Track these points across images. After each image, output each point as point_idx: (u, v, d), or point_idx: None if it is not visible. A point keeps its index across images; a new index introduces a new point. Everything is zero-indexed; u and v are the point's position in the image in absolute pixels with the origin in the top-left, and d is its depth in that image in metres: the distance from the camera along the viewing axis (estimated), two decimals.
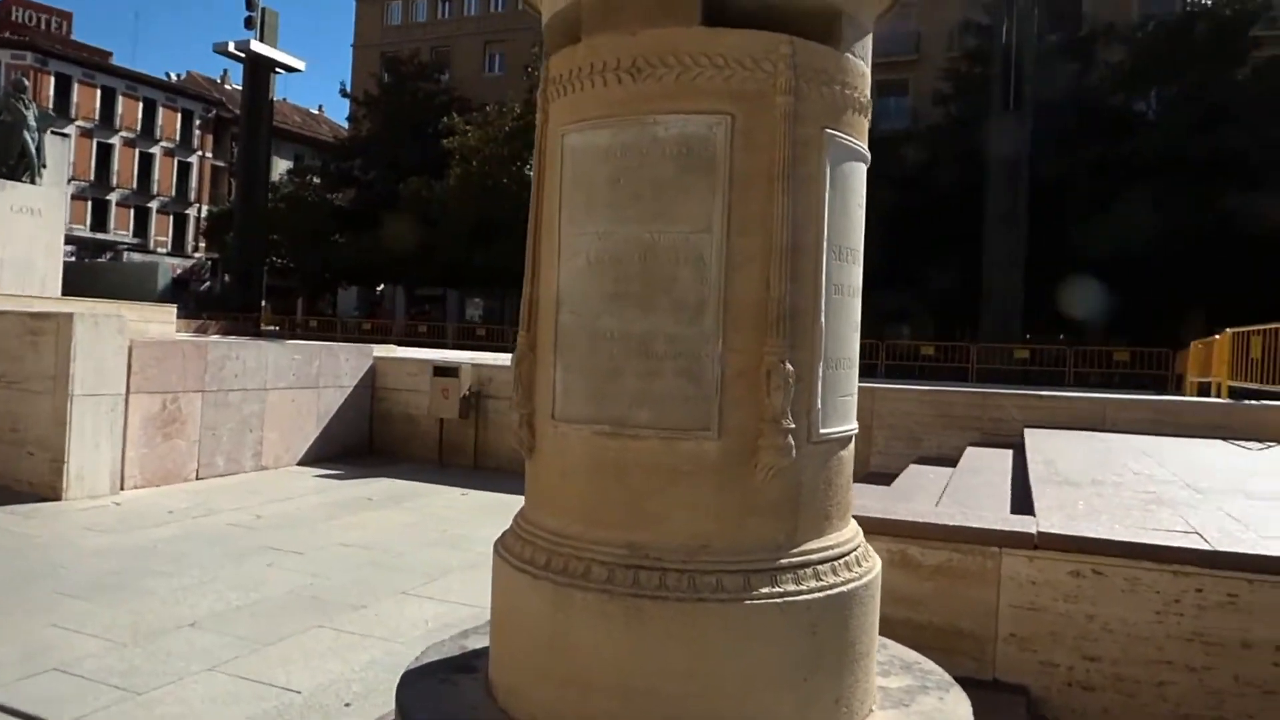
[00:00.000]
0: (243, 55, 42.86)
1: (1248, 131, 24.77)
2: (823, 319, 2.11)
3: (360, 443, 10.78)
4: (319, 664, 4.18)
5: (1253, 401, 7.77)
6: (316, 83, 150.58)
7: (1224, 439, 7.01)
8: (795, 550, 2.07)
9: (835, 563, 2.12)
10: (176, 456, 8.36)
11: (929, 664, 2.58)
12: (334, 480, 9.05)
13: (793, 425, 2.02)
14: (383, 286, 47.52)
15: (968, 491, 5.03)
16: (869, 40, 2.28)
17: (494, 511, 7.76)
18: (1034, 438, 6.52)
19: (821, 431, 2.12)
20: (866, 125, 2.27)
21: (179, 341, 9.53)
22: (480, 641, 2.65)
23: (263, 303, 43.78)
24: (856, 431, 2.30)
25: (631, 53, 2.03)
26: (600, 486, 2.08)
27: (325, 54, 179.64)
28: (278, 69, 44.88)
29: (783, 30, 2.05)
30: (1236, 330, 8.95)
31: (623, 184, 2.05)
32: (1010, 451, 6.65)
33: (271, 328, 39.04)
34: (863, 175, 2.26)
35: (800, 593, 2.02)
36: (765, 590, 1.99)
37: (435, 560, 6.12)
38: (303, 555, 6.08)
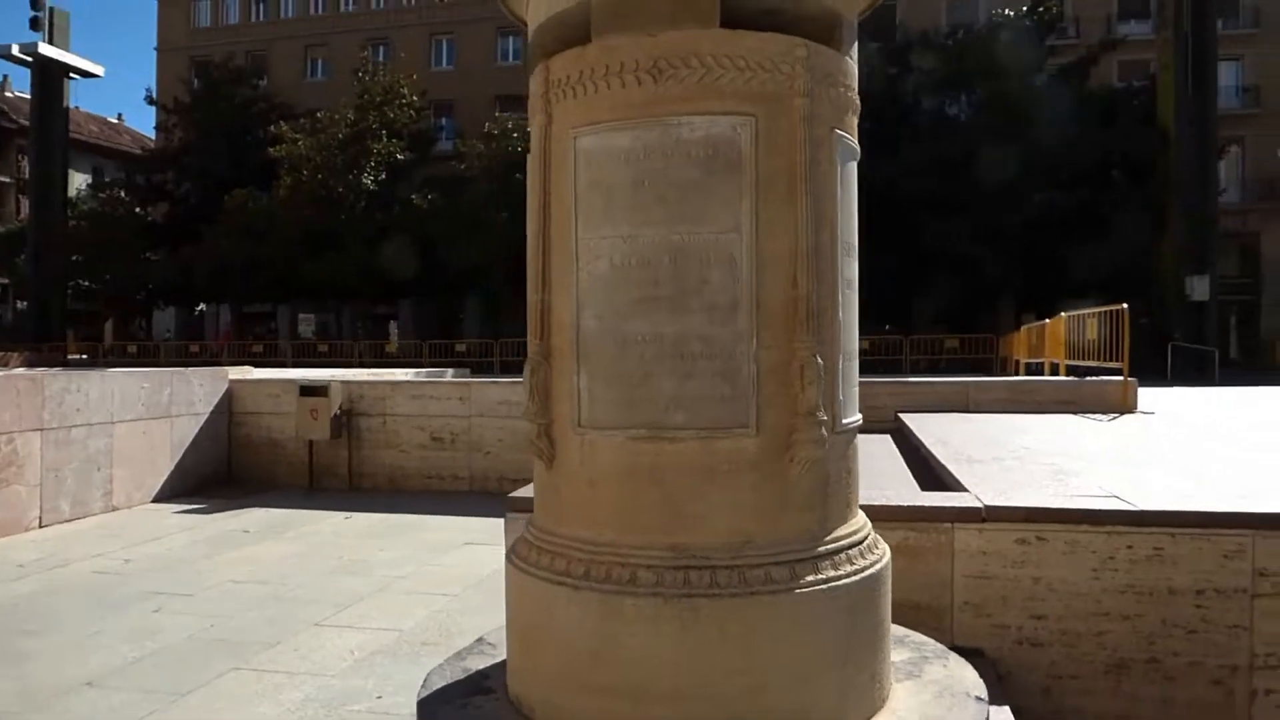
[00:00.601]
0: (29, 59, 39.11)
1: (1047, 133, 27.22)
2: (840, 314, 2.18)
3: (218, 473, 10.10)
4: (250, 708, 3.91)
5: (1093, 378, 8.58)
6: (114, 89, 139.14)
7: (1073, 413, 7.70)
8: (828, 538, 2.13)
9: (860, 546, 2.20)
10: (15, 504, 7.56)
11: (918, 636, 2.72)
12: (199, 515, 8.43)
13: (825, 418, 2.08)
14: (203, 305, 44.59)
15: (871, 475, 5.28)
16: (856, 42, 2.37)
17: (385, 534, 7.47)
18: (914, 421, 6.93)
19: (844, 422, 2.20)
20: (856, 124, 2.37)
21: (11, 376, 8.62)
22: (481, 662, 2.57)
23: (67, 330, 40.11)
24: (862, 422, 2.39)
25: (651, 54, 2.04)
26: (635, 491, 2.07)
27: (124, 58, 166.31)
28: (71, 74, 41.24)
29: (793, 33, 2.11)
30: (1071, 314, 9.86)
31: (648, 186, 2.05)
32: (888, 436, 7.05)
33: (79, 356, 35.81)
34: (856, 172, 2.35)
35: (839, 577, 2.09)
36: (810, 578, 2.04)
37: (341, 589, 5.83)
38: (191, 597, 5.65)
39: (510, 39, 42.33)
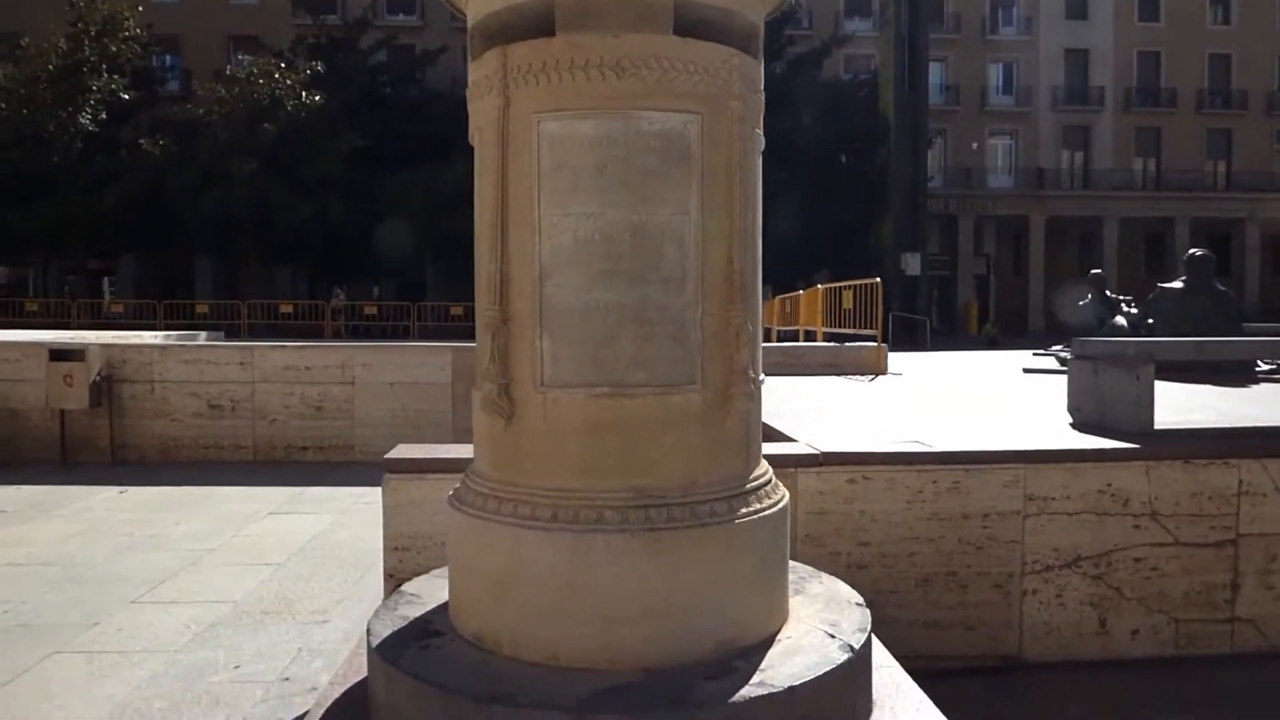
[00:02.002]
0: None
1: (782, 119, 29.47)
2: (759, 285, 2.56)
3: None
4: (93, 690, 3.72)
5: (851, 344, 9.71)
6: None
7: (837, 375, 8.72)
8: (751, 477, 2.52)
9: (771, 484, 2.61)
10: None
11: (791, 562, 3.19)
12: None
13: (753, 375, 2.45)
14: None
15: None
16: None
17: (173, 508, 7.05)
18: None
19: (760, 379, 2.58)
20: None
21: None
22: (416, 610, 2.72)
23: None
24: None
25: (615, 53, 2.28)
26: (599, 442, 2.33)
27: None
28: None
29: (726, 42, 2.43)
30: (828, 286, 11.02)
31: (610, 170, 2.30)
32: None
33: None
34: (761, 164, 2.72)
35: (764, 509, 2.48)
36: (743, 510, 2.42)
37: (146, 564, 5.52)
38: None
39: None
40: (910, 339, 25.13)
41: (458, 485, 2.62)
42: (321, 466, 9.02)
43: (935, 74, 37.65)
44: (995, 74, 41.05)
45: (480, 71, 2.48)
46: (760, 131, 2.58)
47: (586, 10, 2.31)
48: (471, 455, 2.65)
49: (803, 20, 37.42)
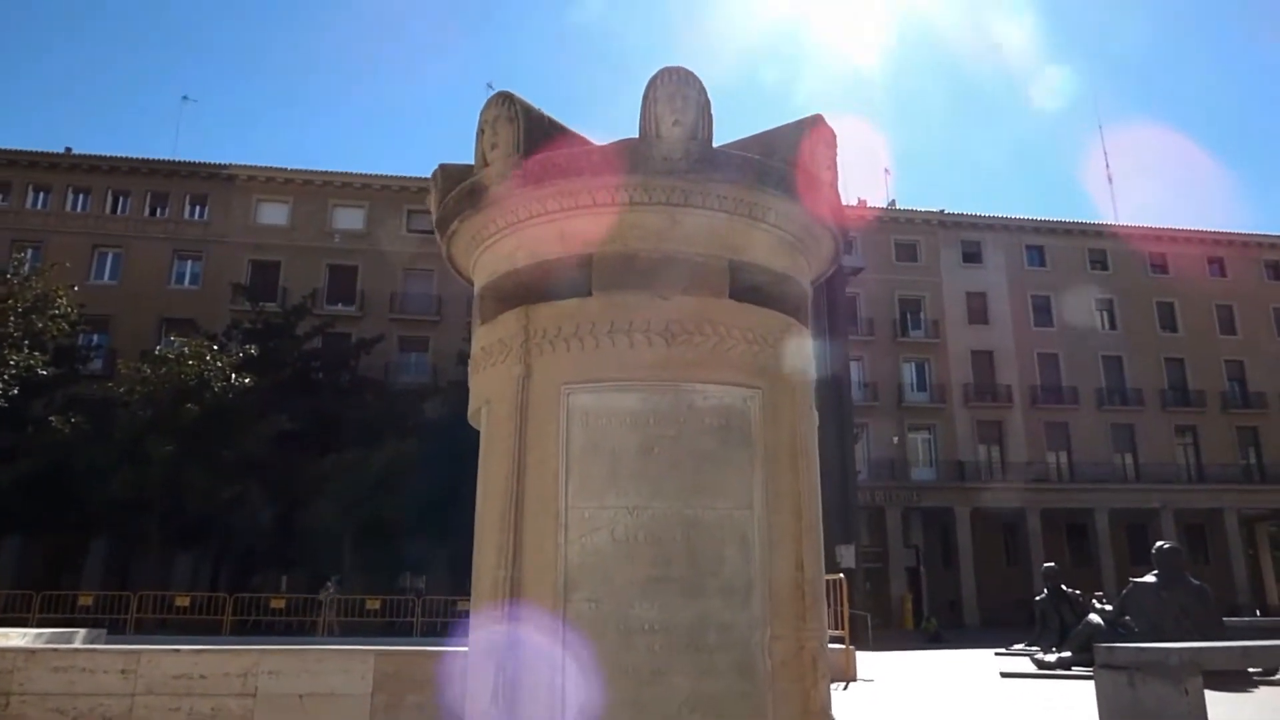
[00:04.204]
0: None
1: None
2: (824, 597, 2.07)
3: None
4: None
5: None
6: None
7: None
8: None
9: None
10: None
11: None
12: None
13: (834, 716, 1.89)
14: None
15: None
16: None
17: None
18: None
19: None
20: None
21: None
22: None
23: None
24: None
25: (665, 316, 1.93)
26: None
27: None
28: None
29: (781, 309, 2.12)
30: None
31: (658, 453, 1.87)
32: None
33: None
34: None
35: None
36: None
37: None
38: None
39: (189, 263, 40.17)
40: (851, 636, 24.15)
41: None
42: None
43: (854, 372, 39.74)
44: (909, 372, 43.55)
45: (490, 337, 2.10)
46: (814, 408, 2.22)
47: (631, 268, 1.99)
48: None
49: None
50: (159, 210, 40.98)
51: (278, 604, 26.77)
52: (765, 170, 2.14)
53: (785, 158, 2.26)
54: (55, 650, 8.80)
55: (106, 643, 10.71)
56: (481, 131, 2.14)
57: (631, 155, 2.03)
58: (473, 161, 2.26)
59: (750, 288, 2.16)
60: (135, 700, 8.03)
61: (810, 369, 2.20)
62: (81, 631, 15.10)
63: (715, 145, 2.18)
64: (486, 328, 2.18)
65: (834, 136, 2.37)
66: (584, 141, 2.27)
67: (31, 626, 17.54)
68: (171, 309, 38.74)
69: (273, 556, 30.96)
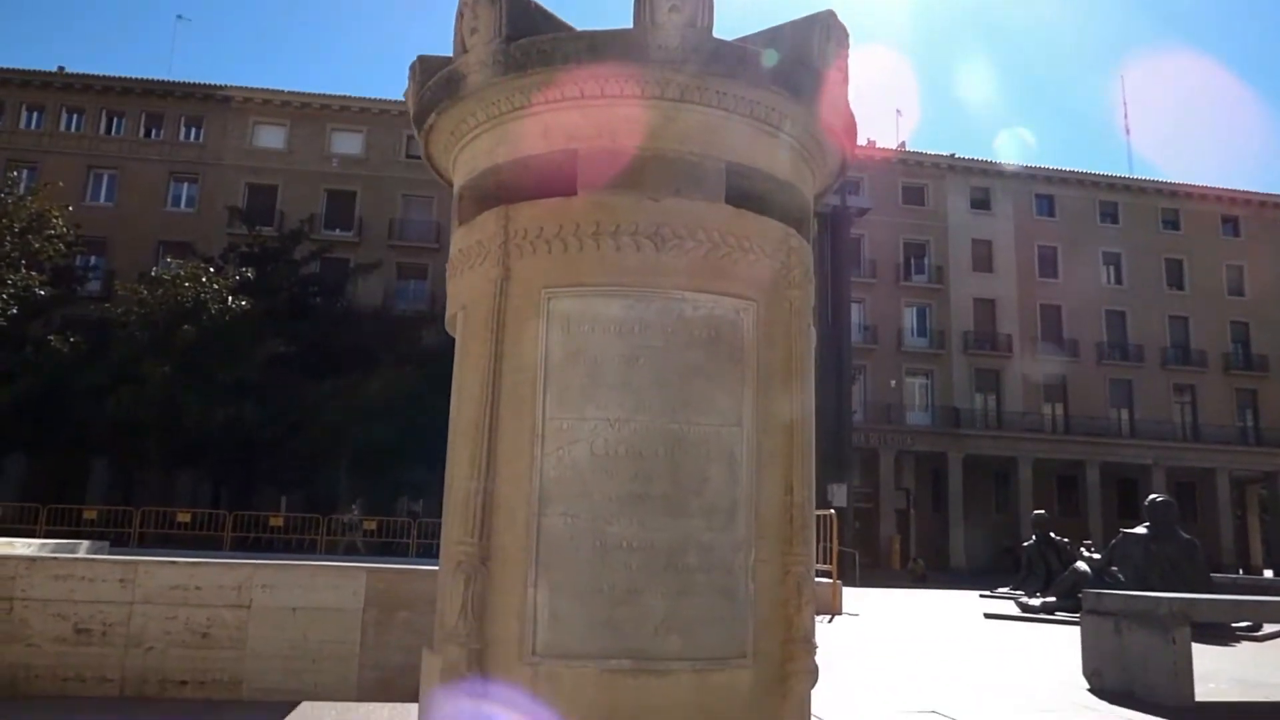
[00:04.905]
0: None
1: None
2: (814, 524, 1.98)
3: None
4: None
5: None
6: None
7: None
8: None
9: None
10: None
11: None
12: None
13: (817, 644, 1.82)
14: None
15: None
16: None
17: None
18: None
19: (816, 643, 1.94)
20: None
21: None
22: None
23: None
24: None
25: (654, 219, 1.80)
26: None
27: None
28: None
29: (782, 219, 1.99)
30: None
31: (642, 364, 1.76)
32: None
33: None
34: None
35: None
36: None
37: None
38: None
39: (185, 185, 39.61)
40: (839, 573, 24.45)
41: None
42: (200, 705, 7.63)
43: (855, 314, 39.52)
44: (910, 317, 43.31)
45: (468, 239, 1.97)
46: (813, 327, 2.10)
47: (619, 166, 1.85)
48: None
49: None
50: (154, 131, 40.22)
51: (276, 522, 27.10)
52: (770, 66, 1.99)
53: (793, 56, 2.10)
54: (56, 559, 8.82)
55: (109, 555, 10.79)
56: (460, 14, 1.98)
57: (624, 43, 1.88)
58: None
59: (749, 194, 2.02)
60: (134, 609, 8.08)
61: (810, 285, 2.08)
62: (85, 543, 15.22)
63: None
64: (464, 229, 2.05)
65: (846, 35, 2.21)
66: (573, 31, 2.11)
67: (34, 539, 17.71)
68: (168, 232, 38.33)
69: (272, 477, 31.15)
